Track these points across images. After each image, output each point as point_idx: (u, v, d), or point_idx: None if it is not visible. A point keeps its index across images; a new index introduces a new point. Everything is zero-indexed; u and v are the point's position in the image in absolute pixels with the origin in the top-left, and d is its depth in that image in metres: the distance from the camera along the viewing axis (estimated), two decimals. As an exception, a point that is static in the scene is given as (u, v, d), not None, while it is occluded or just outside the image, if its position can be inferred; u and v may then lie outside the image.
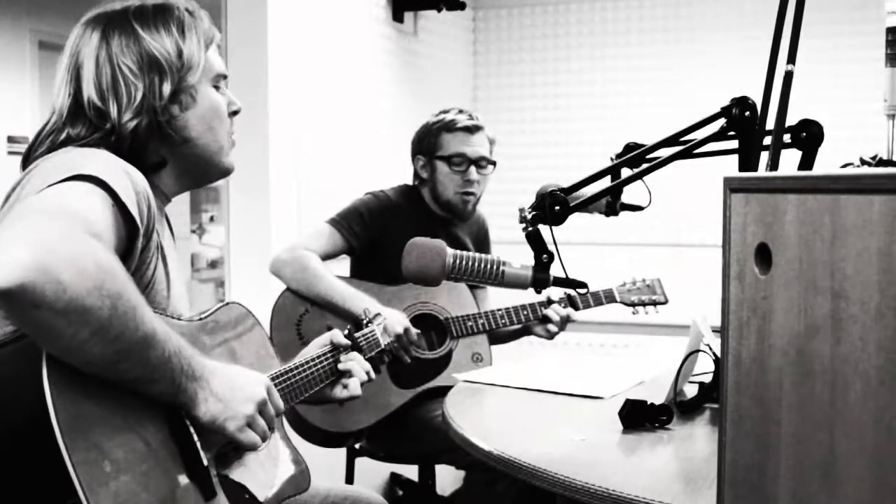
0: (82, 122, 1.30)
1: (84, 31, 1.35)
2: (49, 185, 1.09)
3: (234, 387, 1.20)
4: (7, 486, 0.99)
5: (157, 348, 1.07)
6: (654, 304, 2.56)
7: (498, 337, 2.60)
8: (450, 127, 2.54)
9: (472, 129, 2.54)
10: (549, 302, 2.46)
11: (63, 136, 1.29)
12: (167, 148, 1.36)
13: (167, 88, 1.32)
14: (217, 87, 1.42)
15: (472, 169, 2.52)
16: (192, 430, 1.18)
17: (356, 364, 1.66)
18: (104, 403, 1.05)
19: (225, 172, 1.46)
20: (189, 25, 1.36)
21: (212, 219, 6.41)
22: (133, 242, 1.18)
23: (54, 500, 0.97)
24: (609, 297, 2.54)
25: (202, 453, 1.19)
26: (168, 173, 1.39)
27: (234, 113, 1.46)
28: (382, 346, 1.84)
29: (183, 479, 1.15)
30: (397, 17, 3.50)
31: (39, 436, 0.97)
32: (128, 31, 1.32)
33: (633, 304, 2.55)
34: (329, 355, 1.64)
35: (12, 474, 0.99)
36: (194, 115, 1.37)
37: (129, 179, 1.18)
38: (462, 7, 3.64)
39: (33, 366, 0.99)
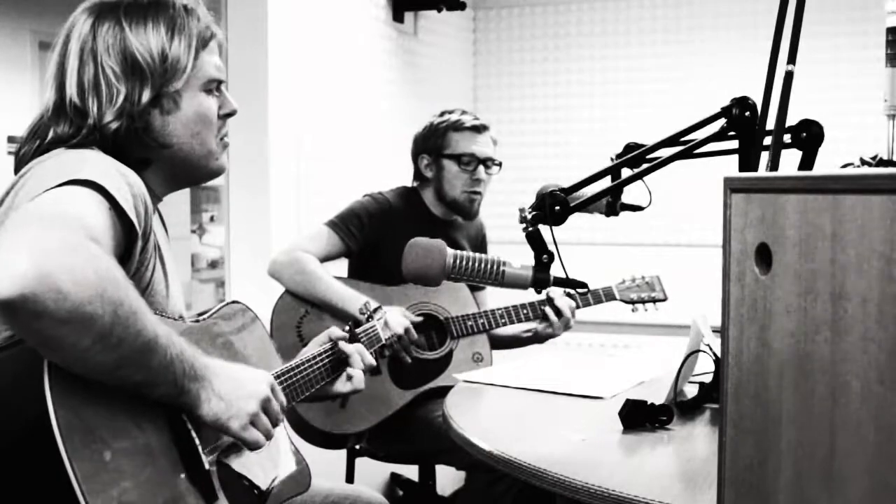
0: (65, 120, 1.27)
1: (76, 20, 1.32)
2: (45, 191, 1.07)
3: (236, 385, 1.19)
4: (7, 492, 0.99)
5: (159, 352, 1.06)
6: (654, 301, 2.56)
7: (500, 343, 2.60)
8: (457, 126, 2.54)
9: (480, 129, 2.55)
10: (550, 300, 2.46)
11: (50, 134, 1.27)
12: (149, 151, 1.33)
13: (147, 95, 1.28)
14: (210, 91, 1.37)
15: (480, 168, 2.53)
16: (192, 432, 1.17)
17: (355, 350, 1.64)
18: (105, 407, 1.05)
19: (213, 175, 1.43)
20: (181, 26, 1.32)
21: (212, 219, 6.40)
22: (131, 245, 1.17)
23: None
24: (608, 295, 2.54)
25: (203, 456, 1.18)
26: (153, 173, 1.35)
27: (229, 115, 1.42)
28: (383, 341, 1.83)
29: (184, 482, 1.14)
30: (397, 17, 3.50)
31: (39, 441, 0.96)
32: (116, 27, 1.29)
33: (632, 302, 2.55)
34: (330, 352, 1.64)
35: (12, 480, 0.99)
36: (177, 120, 1.33)
37: (125, 181, 1.16)
38: (462, 7, 3.64)
39: (33, 370, 0.99)
